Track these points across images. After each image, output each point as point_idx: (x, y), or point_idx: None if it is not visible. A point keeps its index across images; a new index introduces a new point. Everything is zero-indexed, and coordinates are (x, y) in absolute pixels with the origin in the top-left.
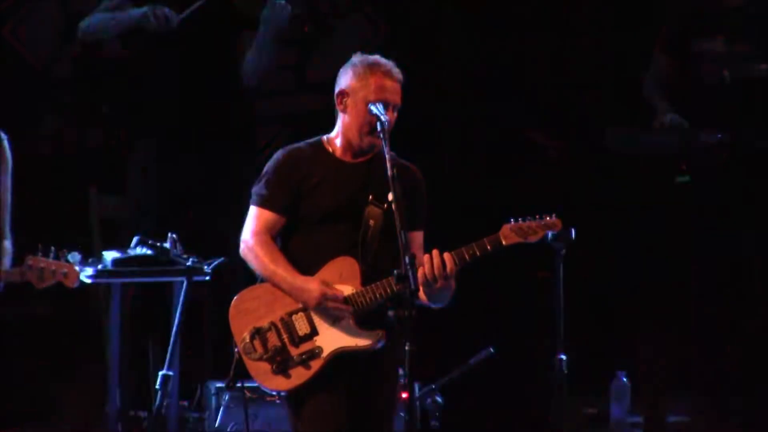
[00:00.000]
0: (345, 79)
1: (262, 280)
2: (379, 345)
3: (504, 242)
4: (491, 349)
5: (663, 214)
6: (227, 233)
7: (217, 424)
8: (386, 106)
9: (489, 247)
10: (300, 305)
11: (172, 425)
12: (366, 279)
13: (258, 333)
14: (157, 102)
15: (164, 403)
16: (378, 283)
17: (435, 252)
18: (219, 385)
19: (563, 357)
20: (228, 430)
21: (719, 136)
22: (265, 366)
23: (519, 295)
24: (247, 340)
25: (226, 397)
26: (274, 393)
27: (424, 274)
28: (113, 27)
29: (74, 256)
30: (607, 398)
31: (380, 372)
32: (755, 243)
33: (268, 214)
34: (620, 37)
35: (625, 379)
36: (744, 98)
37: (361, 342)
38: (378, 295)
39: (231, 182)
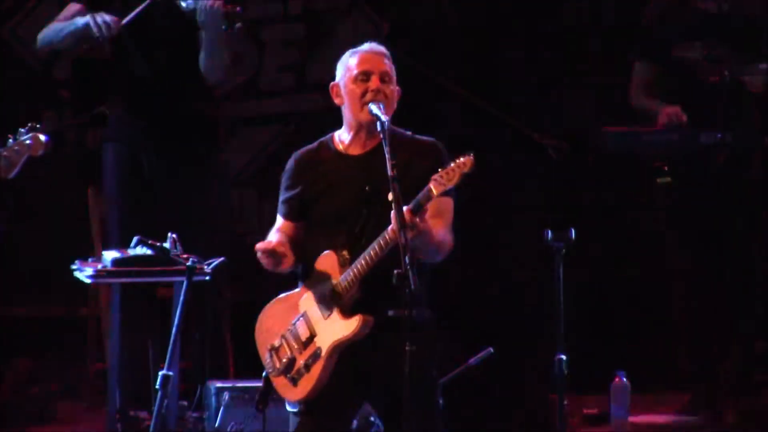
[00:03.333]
0: (336, 74)
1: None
2: (366, 330)
3: (435, 192)
4: (491, 349)
5: (663, 213)
6: (198, 233)
7: (217, 424)
8: (370, 75)
9: (424, 201)
10: (300, 311)
11: (172, 425)
12: (347, 266)
13: (273, 350)
14: (126, 103)
15: (164, 403)
16: (360, 256)
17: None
18: (219, 385)
19: (563, 357)
20: (228, 430)
21: (719, 136)
22: (284, 380)
23: (519, 294)
24: (268, 359)
25: (226, 397)
26: (296, 408)
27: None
28: (64, 37)
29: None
30: (607, 398)
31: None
32: (756, 243)
33: (283, 222)
34: (620, 36)
35: (625, 379)
36: (744, 99)
37: (345, 331)
38: (361, 267)
39: (198, 182)
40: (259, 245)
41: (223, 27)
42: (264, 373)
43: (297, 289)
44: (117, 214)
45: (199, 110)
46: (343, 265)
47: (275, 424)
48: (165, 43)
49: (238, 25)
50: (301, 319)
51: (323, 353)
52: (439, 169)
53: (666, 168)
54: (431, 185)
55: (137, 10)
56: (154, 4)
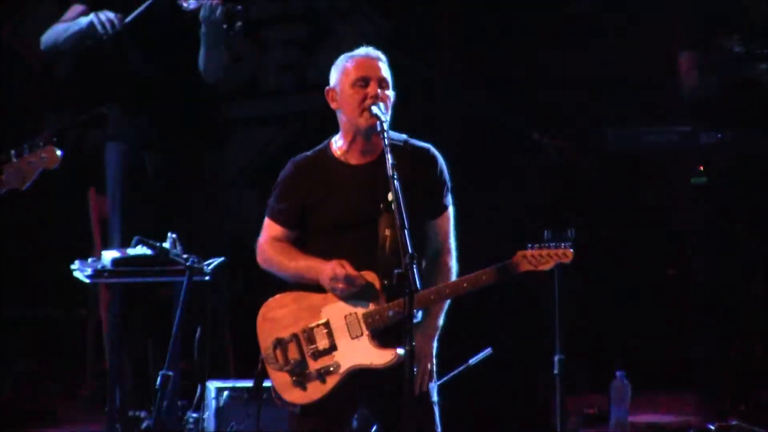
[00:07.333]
0: (331, 78)
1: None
2: (396, 363)
3: (518, 270)
4: (491, 350)
5: (664, 214)
6: (198, 232)
7: (217, 424)
8: (368, 81)
9: (502, 276)
10: (322, 318)
11: (172, 425)
12: (389, 294)
13: (280, 343)
14: (127, 102)
15: (164, 403)
16: (393, 302)
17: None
18: (219, 385)
19: (562, 357)
20: (228, 430)
21: (719, 136)
22: (285, 377)
23: (519, 294)
24: (270, 350)
25: (226, 397)
26: (292, 407)
27: None
28: (68, 38)
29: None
30: (607, 398)
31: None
32: (757, 244)
33: (276, 227)
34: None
35: (625, 380)
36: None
37: (377, 360)
38: (393, 313)
39: (199, 181)
40: (340, 270)
41: (224, 25)
42: (261, 360)
43: (320, 294)
44: (119, 213)
45: (200, 109)
46: (384, 292)
47: (276, 425)
48: (166, 42)
49: (239, 23)
50: (322, 326)
51: (341, 370)
52: (534, 246)
53: (702, 168)
54: (518, 261)
55: (140, 8)
56: (155, 4)
